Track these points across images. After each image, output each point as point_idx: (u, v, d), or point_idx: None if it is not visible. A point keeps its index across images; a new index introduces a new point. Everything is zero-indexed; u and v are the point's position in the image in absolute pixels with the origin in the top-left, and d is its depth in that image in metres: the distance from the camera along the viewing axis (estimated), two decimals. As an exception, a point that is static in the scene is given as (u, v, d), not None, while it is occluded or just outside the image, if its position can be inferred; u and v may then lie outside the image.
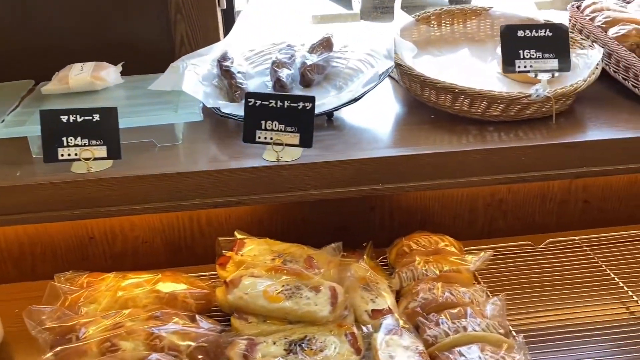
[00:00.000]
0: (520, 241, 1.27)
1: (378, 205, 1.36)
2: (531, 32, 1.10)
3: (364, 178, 1.08)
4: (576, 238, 1.28)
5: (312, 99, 1.05)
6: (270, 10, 1.52)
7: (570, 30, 1.47)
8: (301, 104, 1.06)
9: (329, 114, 1.28)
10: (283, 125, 1.06)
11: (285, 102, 1.06)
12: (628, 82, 1.31)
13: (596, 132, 1.14)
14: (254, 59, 1.45)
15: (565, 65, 1.12)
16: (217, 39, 1.51)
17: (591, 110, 1.27)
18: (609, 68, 1.36)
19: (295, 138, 1.06)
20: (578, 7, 1.53)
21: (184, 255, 1.42)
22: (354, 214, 1.37)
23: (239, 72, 1.31)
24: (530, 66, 1.11)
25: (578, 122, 1.19)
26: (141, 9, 1.48)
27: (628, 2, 1.56)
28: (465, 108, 1.21)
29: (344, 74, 1.38)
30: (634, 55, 1.28)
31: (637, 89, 1.28)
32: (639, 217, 1.37)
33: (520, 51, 1.11)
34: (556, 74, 1.12)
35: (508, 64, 1.11)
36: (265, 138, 1.07)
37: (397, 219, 1.39)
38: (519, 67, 1.11)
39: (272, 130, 1.07)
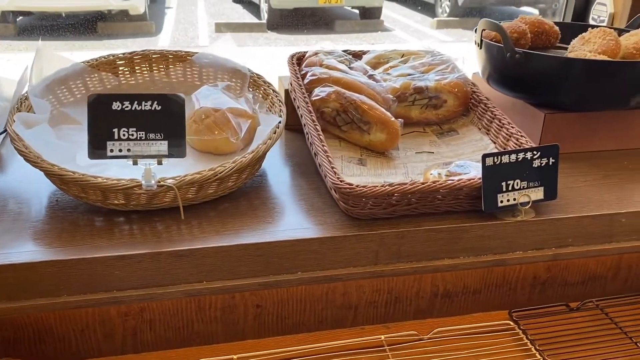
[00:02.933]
0: (170, 358, 0.99)
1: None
2: (132, 104, 0.81)
3: None
4: (234, 357, 1.01)
5: None
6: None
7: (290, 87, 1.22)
8: None
9: None
10: None
11: None
12: (317, 159, 1.05)
13: (241, 233, 0.86)
14: None
15: (178, 149, 0.83)
16: None
17: (270, 194, 1.00)
18: (307, 139, 1.10)
19: None
20: (299, 59, 1.26)
21: None
22: None
23: None
24: (128, 150, 0.81)
25: (226, 215, 0.91)
26: None
27: (360, 55, 1.31)
28: (83, 195, 0.91)
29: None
30: (317, 128, 1.02)
31: (321, 169, 1.02)
32: (331, 323, 1.11)
33: (115, 130, 0.81)
34: (165, 161, 0.83)
35: (96, 146, 0.81)
36: None
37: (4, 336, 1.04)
38: (111, 150, 0.81)
39: None
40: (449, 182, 0.90)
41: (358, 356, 1.01)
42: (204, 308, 1.04)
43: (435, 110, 1.18)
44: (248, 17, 8.67)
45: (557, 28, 1.32)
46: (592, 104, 1.16)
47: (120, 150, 0.81)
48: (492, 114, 1.13)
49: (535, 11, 8.71)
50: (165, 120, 0.82)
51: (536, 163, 0.91)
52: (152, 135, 0.82)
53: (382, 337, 1.04)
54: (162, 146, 0.82)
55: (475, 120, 1.18)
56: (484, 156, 0.89)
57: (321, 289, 1.07)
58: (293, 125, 1.21)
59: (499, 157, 0.89)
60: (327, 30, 8.24)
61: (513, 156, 0.90)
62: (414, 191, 0.88)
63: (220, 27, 7.90)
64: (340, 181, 0.88)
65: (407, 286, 1.10)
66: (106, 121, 0.81)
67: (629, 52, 1.20)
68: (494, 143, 1.10)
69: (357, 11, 8.68)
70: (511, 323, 1.09)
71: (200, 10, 8.93)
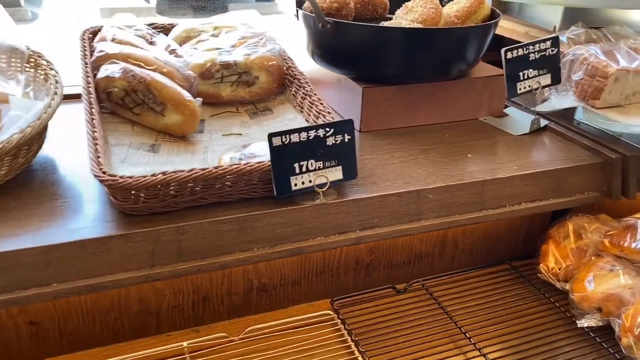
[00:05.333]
0: None
1: None
2: None
3: None
4: None
5: None
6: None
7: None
8: None
9: None
10: None
11: None
12: (97, 148, 0.91)
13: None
14: None
15: None
16: None
17: (42, 192, 0.84)
18: (91, 124, 0.95)
19: None
20: (94, 34, 1.11)
21: None
22: None
23: None
24: None
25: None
26: None
27: (170, 29, 1.18)
28: None
29: None
30: (92, 110, 0.87)
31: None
32: (129, 333, 0.98)
33: None
34: None
35: None
36: None
37: None
38: None
39: None
40: (234, 166, 0.79)
41: (156, 368, 0.89)
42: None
43: (249, 88, 1.06)
44: (136, 1, 8.20)
45: (385, -2, 1.25)
46: (412, 76, 1.09)
47: None
48: (304, 90, 1.04)
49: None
50: None
51: (330, 141, 0.83)
52: None
53: (184, 344, 0.93)
54: None
55: (290, 97, 1.08)
56: (270, 135, 0.79)
57: (110, 297, 0.94)
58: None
59: (287, 136, 0.80)
60: (220, 13, 7.96)
61: (304, 134, 0.81)
62: (193, 179, 0.77)
63: (106, 13, 7.43)
64: (103, 172, 0.75)
65: (216, 284, 0.99)
66: None
67: (450, 20, 1.15)
68: (307, 122, 1.01)
69: (251, -6, 8.47)
70: (331, 313, 1.02)
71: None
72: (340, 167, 0.84)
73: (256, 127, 1.02)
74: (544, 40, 1.08)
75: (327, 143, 0.83)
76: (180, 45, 1.10)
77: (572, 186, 1.00)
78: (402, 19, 1.15)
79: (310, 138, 0.81)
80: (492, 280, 1.11)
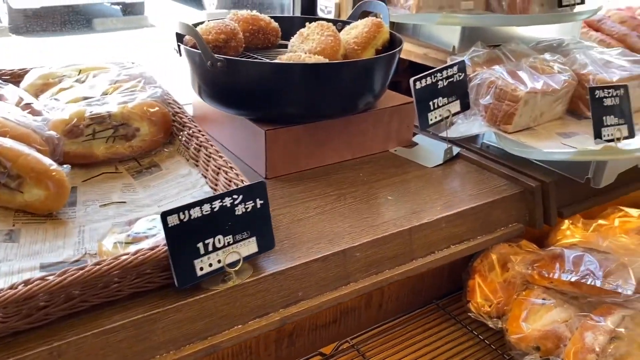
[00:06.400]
0: None
1: None
2: None
3: None
4: None
5: None
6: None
7: None
8: None
9: None
10: None
11: None
12: None
13: None
14: None
15: None
16: None
17: None
18: None
19: None
20: None
21: None
22: None
23: None
24: None
25: None
26: None
27: (21, 76, 0.97)
28: None
29: None
30: None
31: None
32: None
33: None
34: None
35: None
36: None
37: None
38: None
39: None
40: (121, 259, 0.63)
41: None
42: None
43: (128, 142, 0.89)
44: (-15, 20, 7.35)
45: (275, 24, 1.13)
46: (318, 113, 0.98)
47: None
48: (198, 140, 0.89)
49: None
50: None
51: (240, 209, 0.69)
52: None
53: None
54: None
55: (181, 149, 0.93)
56: (164, 215, 0.64)
57: None
58: None
59: (186, 212, 0.65)
60: (85, 30, 7.38)
61: (206, 207, 0.66)
62: (68, 284, 0.60)
63: (-52, 34, 6.56)
64: None
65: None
66: None
67: (350, 47, 1.06)
68: (205, 177, 0.86)
69: (118, 7, 7.97)
70: (255, 399, 0.88)
71: None
72: (254, 238, 0.71)
73: (143, 191, 0.85)
74: (451, 66, 1.02)
75: (236, 212, 0.69)
76: (37, 97, 0.90)
77: (497, 219, 0.95)
78: (299, 49, 1.04)
79: (215, 210, 0.67)
80: (423, 327, 1.03)
